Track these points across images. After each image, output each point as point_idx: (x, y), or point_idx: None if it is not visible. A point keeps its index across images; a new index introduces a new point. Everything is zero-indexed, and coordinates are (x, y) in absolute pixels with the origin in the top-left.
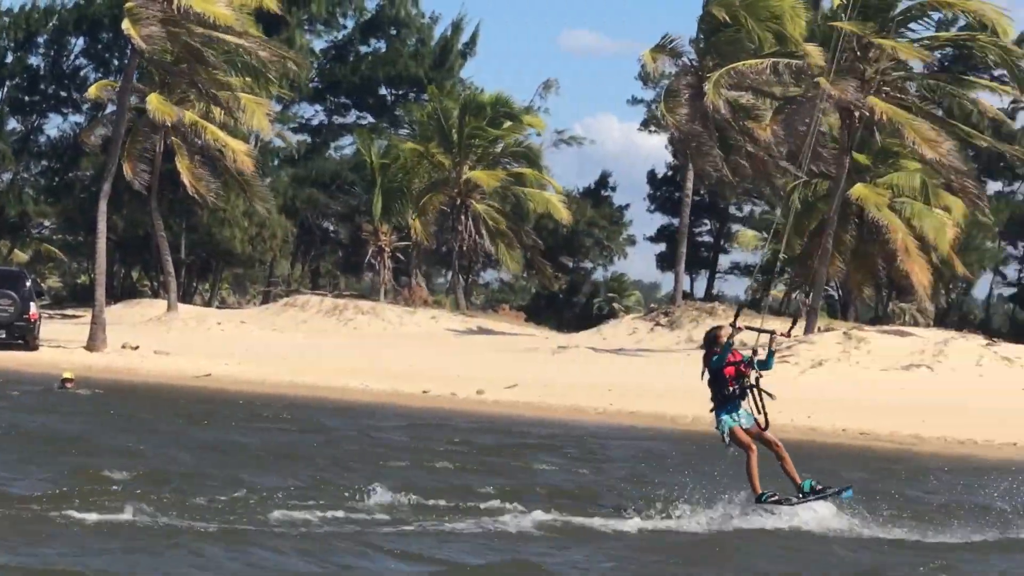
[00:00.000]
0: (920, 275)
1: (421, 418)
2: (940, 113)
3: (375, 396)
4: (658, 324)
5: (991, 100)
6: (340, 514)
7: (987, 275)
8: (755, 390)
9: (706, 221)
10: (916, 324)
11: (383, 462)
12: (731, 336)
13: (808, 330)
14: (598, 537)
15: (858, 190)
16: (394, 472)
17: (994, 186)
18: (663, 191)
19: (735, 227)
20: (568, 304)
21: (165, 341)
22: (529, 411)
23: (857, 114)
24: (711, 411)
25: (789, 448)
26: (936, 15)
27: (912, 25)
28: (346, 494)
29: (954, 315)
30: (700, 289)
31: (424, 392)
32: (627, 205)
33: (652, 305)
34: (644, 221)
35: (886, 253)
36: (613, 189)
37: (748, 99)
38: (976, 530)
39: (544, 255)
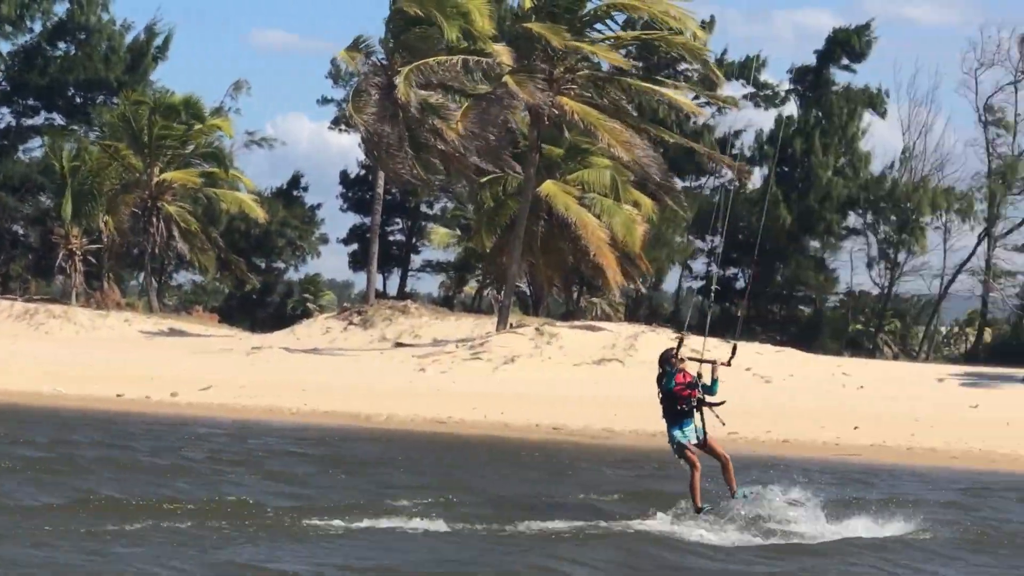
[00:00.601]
0: (610, 270)
1: (113, 422)
2: (632, 110)
3: (67, 401)
4: (351, 323)
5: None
6: None
7: (676, 269)
8: (702, 409)
9: (398, 220)
10: (608, 319)
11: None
12: (676, 364)
13: (501, 326)
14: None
15: (547, 187)
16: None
17: (681, 181)
18: (355, 191)
19: (427, 225)
20: (262, 304)
21: None
22: (224, 412)
23: (547, 112)
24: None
25: (479, 443)
26: (623, 16)
27: (601, 26)
28: None
29: (644, 309)
30: (393, 287)
31: (118, 396)
32: (319, 205)
33: (345, 304)
34: (337, 221)
35: (576, 249)
36: (305, 189)
37: (438, 98)
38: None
39: (237, 255)
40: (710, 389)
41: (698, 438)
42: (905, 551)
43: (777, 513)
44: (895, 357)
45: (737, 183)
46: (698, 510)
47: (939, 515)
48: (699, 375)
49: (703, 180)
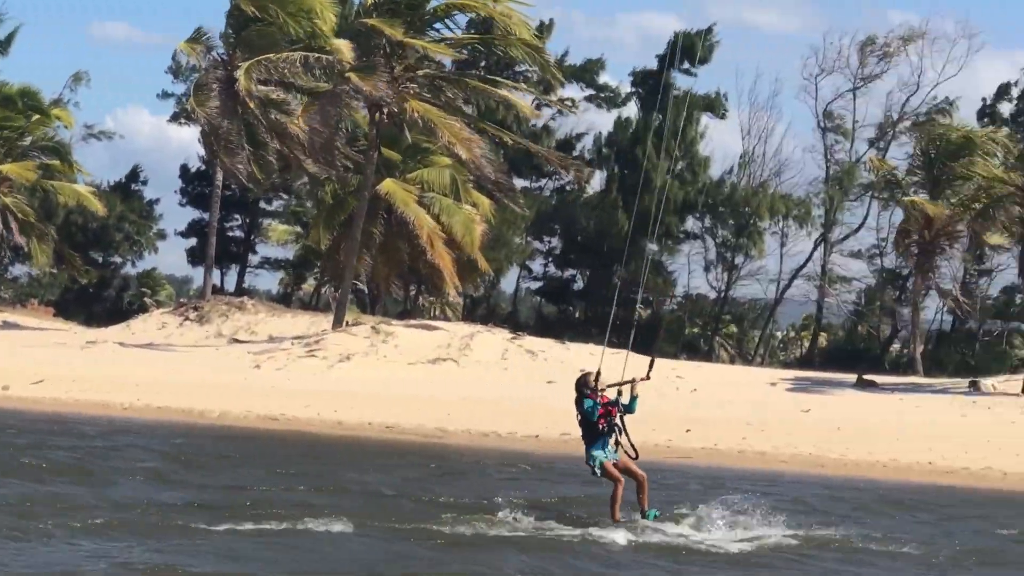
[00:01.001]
0: (447, 270)
1: None
2: (471, 110)
3: None
4: (187, 319)
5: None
6: None
7: (515, 269)
8: (622, 427)
9: (237, 216)
10: (445, 318)
11: None
12: (596, 387)
13: (337, 324)
14: None
15: (387, 185)
16: None
17: (521, 183)
18: (194, 185)
19: (266, 221)
20: (98, 299)
21: None
22: (56, 407)
23: (387, 110)
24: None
25: (309, 443)
26: (465, 17)
27: (441, 25)
28: None
29: (482, 309)
30: (231, 283)
31: None
32: (158, 199)
33: (182, 300)
34: (176, 215)
35: (414, 248)
36: (144, 183)
37: (278, 94)
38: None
39: (74, 249)
40: (630, 407)
41: (621, 456)
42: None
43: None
44: (731, 361)
45: (576, 185)
46: (616, 522)
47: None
48: (619, 392)
49: (543, 182)
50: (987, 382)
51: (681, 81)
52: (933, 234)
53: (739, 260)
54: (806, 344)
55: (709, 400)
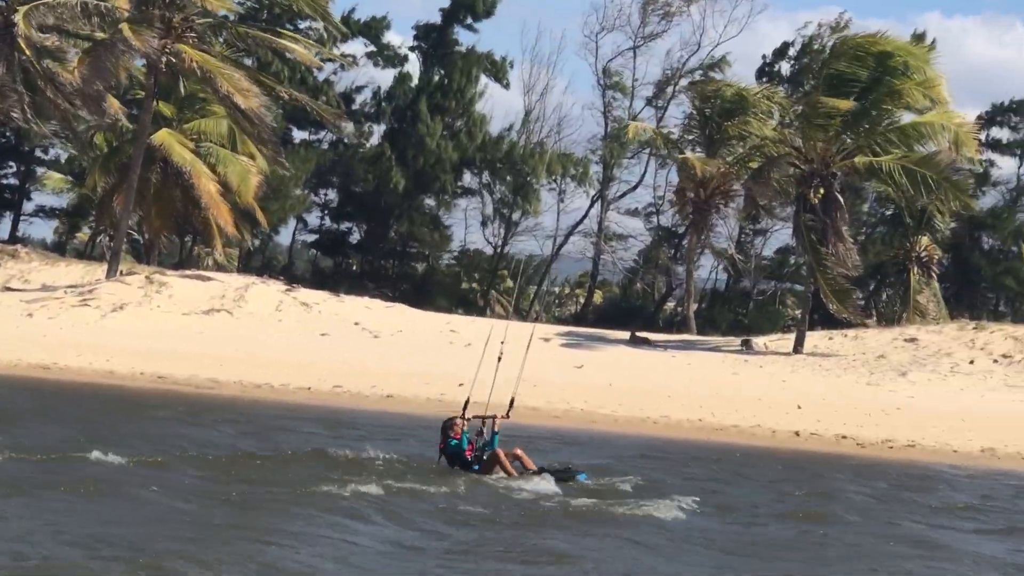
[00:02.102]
0: (222, 220)
1: None
2: (250, 63)
3: None
4: None
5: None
6: None
7: (292, 221)
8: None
9: (11, 163)
10: (220, 269)
11: None
12: (465, 427)
13: (111, 273)
14: None
15: (162, 135)
16: None
17: (300, 135)
18: None
19: (40, 170)
20: None
21: None
22: None
23: (164, 60)
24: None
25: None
26: None
27: None
28: None
29: (258, 260)
30: (4, 231)
31: None
32: None
33: None
34: None
35: (189, 198)
36: None
37: (54, 41)
38: None
39: None
40: (491, 443)
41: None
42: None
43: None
44: (506, 316)
45: (354, 140)
46: (540, 470)
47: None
48: (480, 431)
49: (321, 135)
50: (759, 341)
51: (464, 37)
52: (708, 192)
53: (516, 216)
54: (580, 301)
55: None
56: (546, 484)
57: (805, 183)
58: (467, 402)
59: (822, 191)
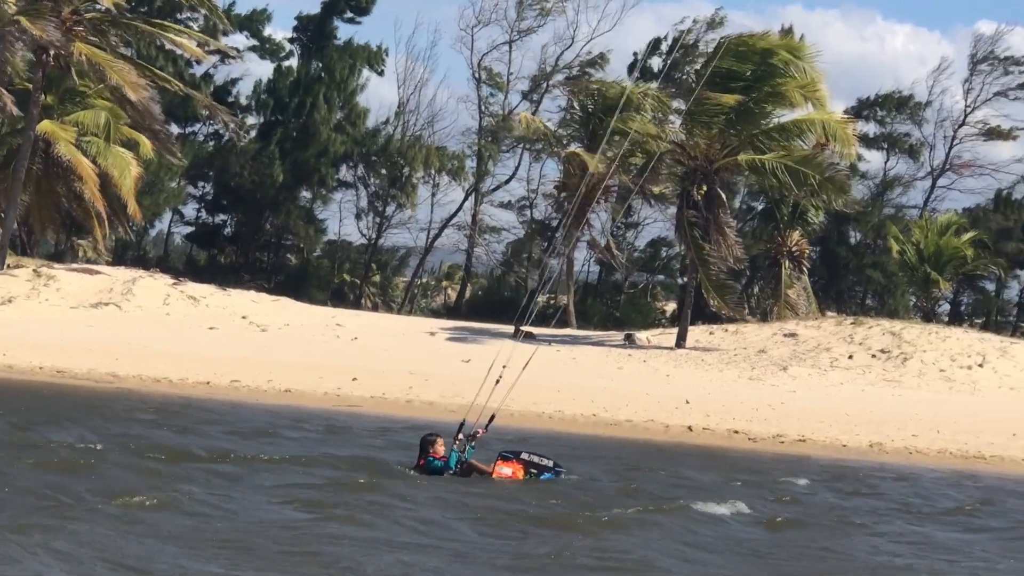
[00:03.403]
0: (101, 212)
1: None
2: (131, 54)
3: None
4: None
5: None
6: None
7: (168, 214)
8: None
9: None
10: (94, 261)
11: None
12: (455, 446)
13: None
14: None
15: (45, 126)
16: None
17: (176, 129)
18: None
19: None
20: None
21: None
22: None
23: (54, 53)
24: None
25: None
26: None
27: None
28: None
29: (132, 253)
30: None
31: None
32: None
33: None
34: None
35: (70, 190)
36: None
37: None
38: None
39: None
40: (465, 453)
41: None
42: None
43: None
44: (374, 308)
45: (234, 135)
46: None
47: None
48: (465, 440)
49: (198, 127)
50: (641, 335)
51: (344, 29)
52: (590, 187)
53: (390, 209)
54: (451, 293)
55: (371, 349)
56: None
57: (689, 179)
58: (462, 424)
59: (705, 187)
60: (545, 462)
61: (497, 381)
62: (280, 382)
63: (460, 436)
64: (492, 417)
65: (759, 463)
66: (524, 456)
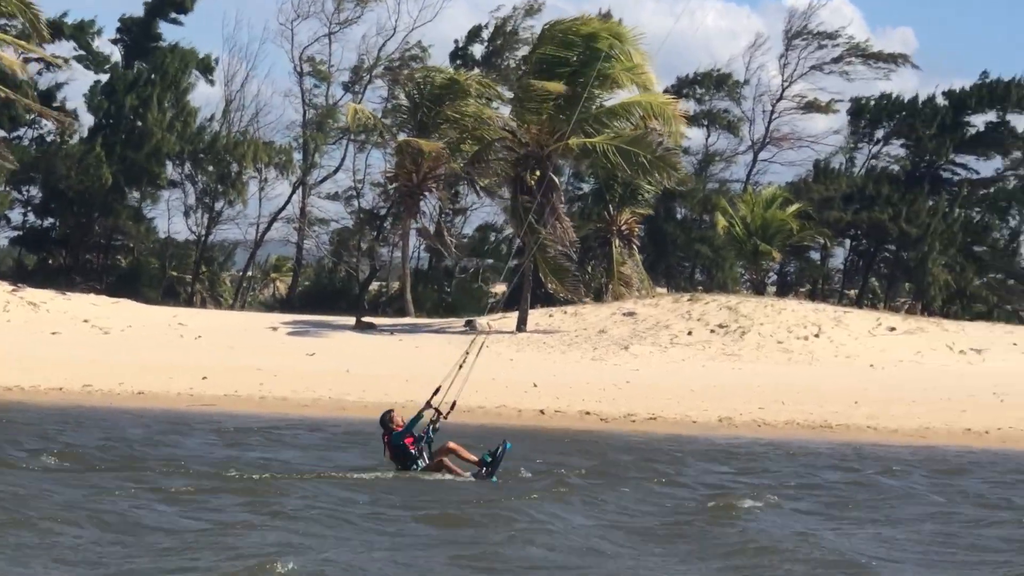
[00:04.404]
0: None
1: None
2: None
3: None
4: None
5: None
6: None
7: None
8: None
9: None
10: None
11: None
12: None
13: None
14: None
15: None
16: None
17: (3, 131)
18: None
19: None
20: None
21: None
22: None
23: None
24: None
25: None
26: None
27: None
28: None
29: None
30: None
31: None
32: None
33: None
34: None
35: None
36: None
37: None
38: None
39: None
40: (427, 439)
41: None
42: None
43: None
44: (203, 304)
45: (59, 137)
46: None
47: None
48: (430, 425)
49: (22, 131)
50: (482, 321)
51: (167, 29)
52: (421, 176)
53: (219, 205)
54: (279, 286)
55: (216, 347)
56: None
57: (521, 165)
58: (436, 390)
59: (538, 172)
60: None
61: (460, 366)
62: (132, 384)
63: (431, 404)
64: (453, 404)
65: (632, 445)
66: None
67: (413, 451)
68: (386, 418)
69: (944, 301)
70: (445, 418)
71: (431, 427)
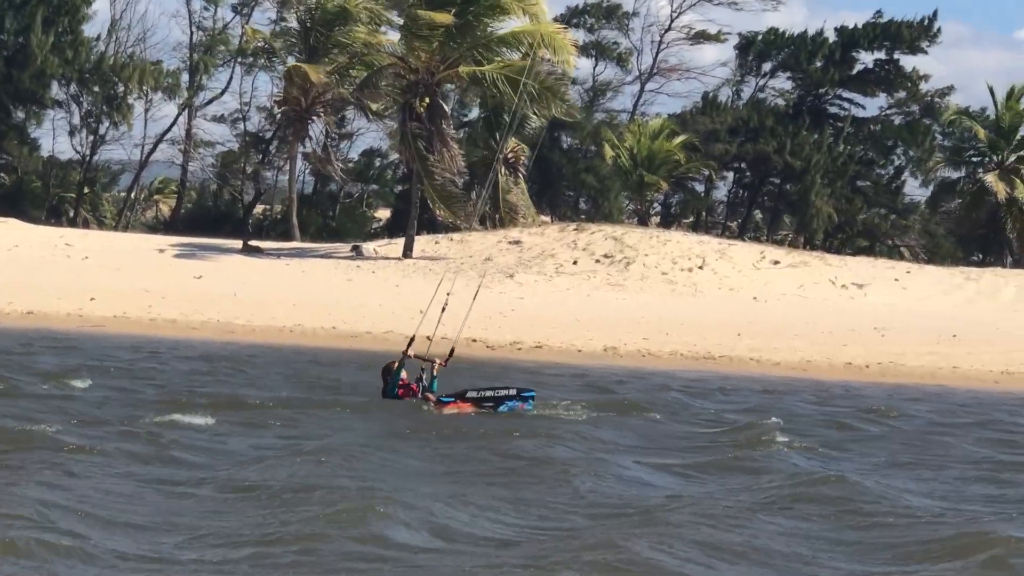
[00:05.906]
0: None
1: None
2: None
3: None
4: None
5: None
6: None
7: None
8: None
9: None
10: None
11: None
12: (399, 365)
13: None
14: None
15: None
16: None
17: None
18: None
19: None
20: None
21: None
22: None
23: None
24: None
25: None
26: None
27: None
28: None
29: None
30: None
31: None
32: None
33: None
34: None
35: None
36: None
37: None
38: None
39: None
40: (430, 387)
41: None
42: None
43: None
44: (85, 224)
45: None
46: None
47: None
48: (423, 370)
49: None
50: (368, 247)
51: None
52: (310, 101)
53: (104, 127)
54: (163, 208)
55: (103, 268)
56: None
57: (411, 92)
58: (411, 340)
59: (427, 100)
60: (501, 393)
61: (443, 308)
62: (20, 304)
63: (408, 353)
64: (452, 351)
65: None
66: (471, 394)
67: (418, 396)
68: (385, 369)
69: (826, 234)
70: (444, 364)
71: (432, 377)
